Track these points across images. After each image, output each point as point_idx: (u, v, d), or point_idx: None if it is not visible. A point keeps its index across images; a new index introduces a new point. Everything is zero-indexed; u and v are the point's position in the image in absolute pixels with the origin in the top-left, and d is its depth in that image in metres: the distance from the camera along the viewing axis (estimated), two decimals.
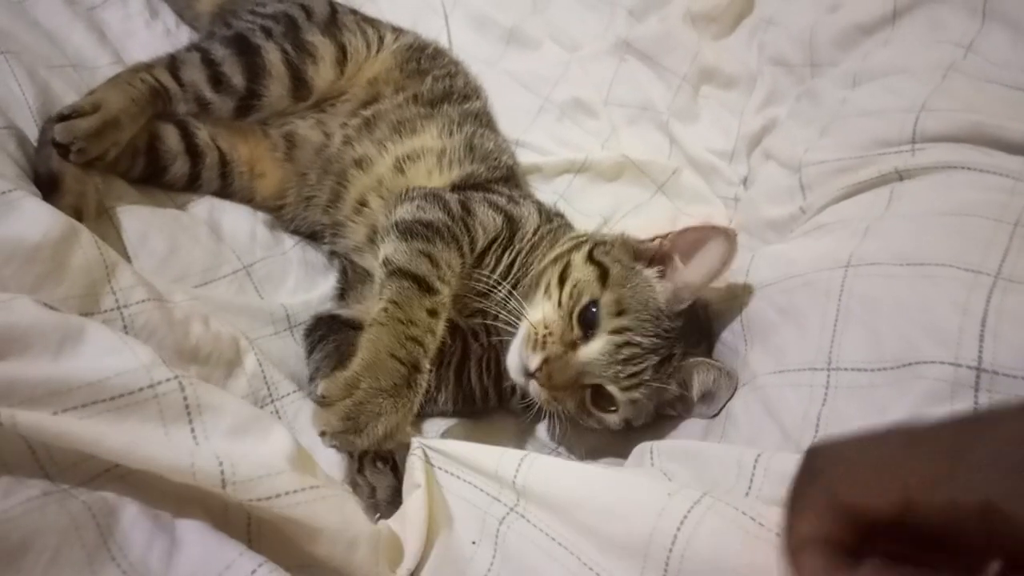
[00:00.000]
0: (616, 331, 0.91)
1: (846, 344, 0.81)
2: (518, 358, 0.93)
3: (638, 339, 0.91)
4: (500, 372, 1.03)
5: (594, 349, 0.91)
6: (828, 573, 0.45)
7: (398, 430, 0.77)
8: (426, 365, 0.83)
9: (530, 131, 1.48)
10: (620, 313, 0.92)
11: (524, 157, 1.43)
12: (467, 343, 1.05)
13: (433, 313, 0.87)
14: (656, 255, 1.00)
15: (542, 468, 0.72)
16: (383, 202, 1.10)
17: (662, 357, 0.93)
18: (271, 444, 0.65)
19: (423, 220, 0.97)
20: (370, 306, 0.92)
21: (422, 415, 1.03)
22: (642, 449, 0.82)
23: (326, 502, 0.63)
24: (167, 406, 0.64)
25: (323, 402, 0.75)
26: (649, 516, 0.64)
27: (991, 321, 0.71)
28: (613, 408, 0.94)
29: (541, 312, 0.95)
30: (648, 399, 0.93)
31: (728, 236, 0.93)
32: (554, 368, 0.90)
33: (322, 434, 0.74)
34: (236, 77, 1.15)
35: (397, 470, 0.81)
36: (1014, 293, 0.73)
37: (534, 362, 0.91)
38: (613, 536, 0.66)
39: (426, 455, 0.77)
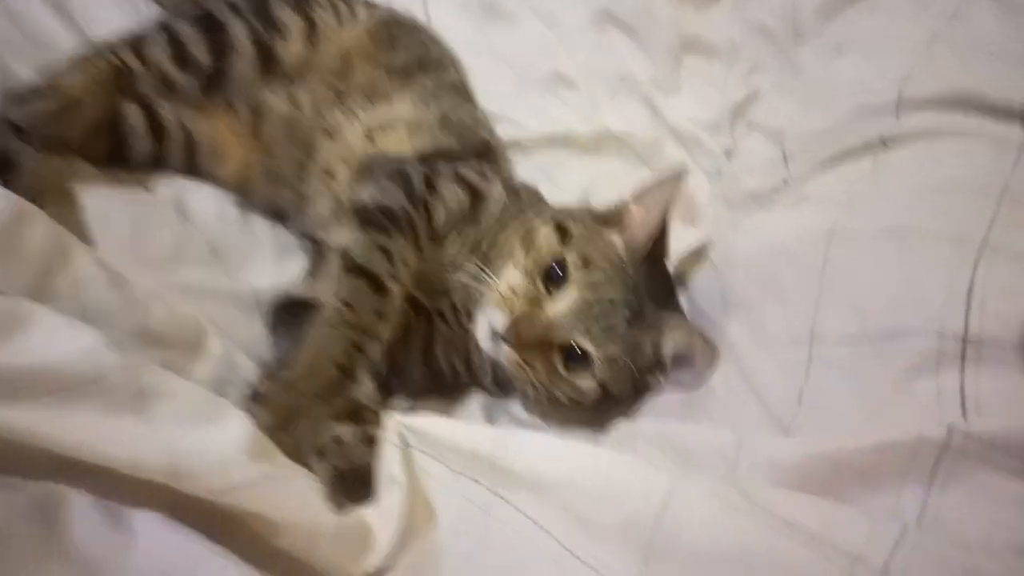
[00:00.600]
0: (584, 284, 0.91)
1: (829, 317, 0.78)
2: (486, 324, 0.93)
3: (608, 293, 0.91)
4: (469, 351, 1.01)
5: (562, 304, 0.91)
6: None
7: (319, 429, 0.78)
8: (362, 376, 0.84)
9: (510, 105, 1.44)
10: (587, 267, 0.92)
11: (504, 132, 1.40)
12: (433, 323, 1.02)
13: (382, 315, 0.87)
14: (618, 217, 1.01)
15: (524, 445, 0.69)
16: (350, 171, 1.06)
17: (633, 311, 0.92)
18: (228, 432, 0.62)
19: (383, 207, 0.95)
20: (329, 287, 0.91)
21: (391, 392, 1.01)
22: (619, 434, 0.80)
23: (285, 493, 0.60)
24: (117, 394, 0.61)
25: (259, 400, 0.75)
26: (634, 496, 0.62)
27: (977, 291, 0.69)
28: (587, 372, 0.92)
29: (507, 279, 0.94)
30: (624, 359, 0.91)
31: (674, 174, 0.97)
32: (522, 326, 0.89)
33: None
34: (202, 55, 1.11)
35: (371, 443, 0.78)
36: (1001, 262, 0.71)
37: (501, 322, 0.90)
38: (597, 517, 0.63)
39: (403, 438, 0.75)
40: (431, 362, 1.03)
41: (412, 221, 0.96)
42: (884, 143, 0.97)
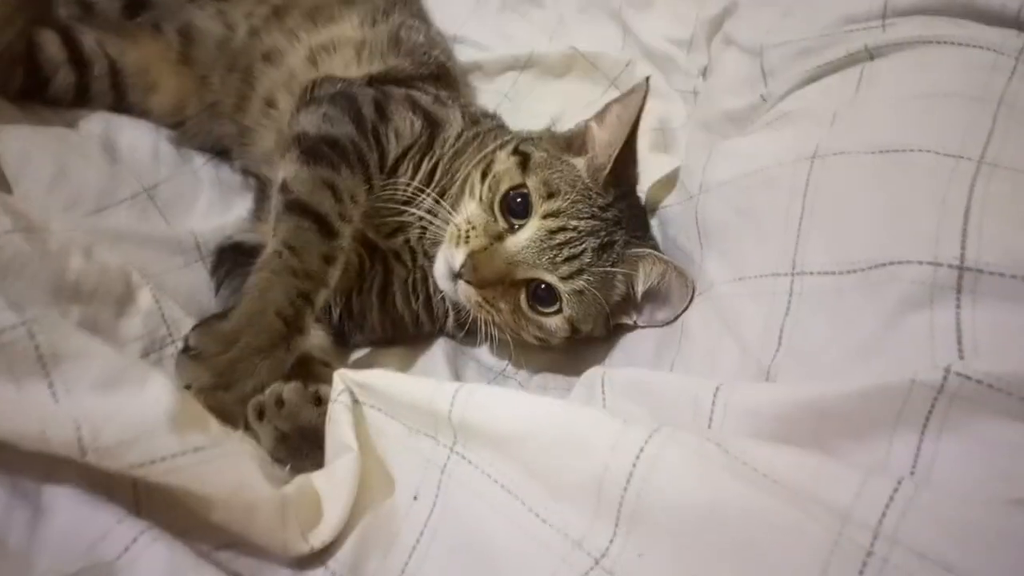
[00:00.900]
0: (548, 215, 0.84)
1: (812, 245, 0.72)
2: (444, 262, 0.86)
3: (573, 222, 0.84)
4: (430, 294, 0.94)
5: (523, 237, 0.84)
6: None
7: (267, 386, 0.71)
8: (309, 326, 0.76)
9: (469, 24, 1.34)
10: (550, 196, 0.85)
11: (463, 54, 1.30)
12: (389, 265, 0.95)
13: (329, 259, 0.79)
14: (580, 140, 0.94)
15: (481, 399, 0.63)
16: (293, 100, 0.97)
17: (602, 241, 0.85)
18: (147, 398, 0.55)
19: (329, 137, 0.86)
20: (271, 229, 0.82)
21: (349, 345, 0.94)
22: (592, 378, 0.74)
23: (214, 464, 0.54)
24: (16, 357, 0.53)
25: (195, 355, 0.66)
26: (601, 451, 0.56)
27: (975, 213, 0.63)
28: (554, 310, 0.86)
29: (465, 212, 0.87)
30: (595, 293, 0.85)
31: (637, 88, 0.90)
32: (479, 261, 0.82)
33: (187, 388, 0.67)
34: None
35: (320, 403, 0.72)
36: (1000, 180, 0.65)
37: (458, 259, 0.83)
38: (562, 475, 0.58)
39: (352, 395, 0.68)
40: (389, 307, 0.96)
41: (361, 153, 0.87)
42: (870, 54, 0.89)
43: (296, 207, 0.79)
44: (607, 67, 1.27)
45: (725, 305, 0.78)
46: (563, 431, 0.59)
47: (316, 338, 0.87)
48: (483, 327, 0.88)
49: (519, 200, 0.85)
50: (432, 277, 0.90)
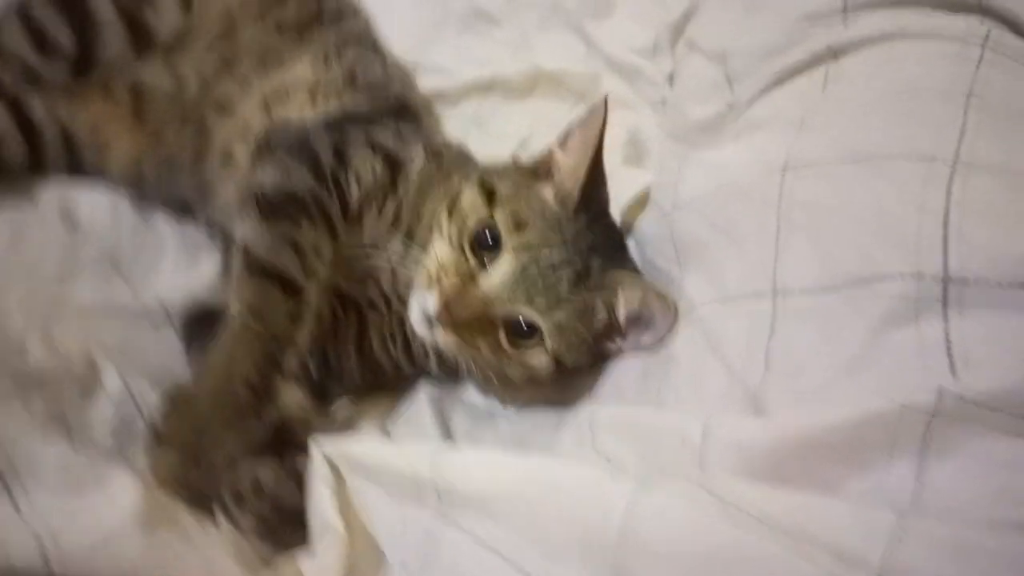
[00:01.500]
0: (519, 248, 0.81)
1: (790, 262, 0.70)
2: (418, 307, 0.82)
3: (546, 253, 0.81)
4: (408, 337, 0.91)
5: (496, 274, 0.81)
6: None
7: (234, 465, 0.68)
8: (278, 391, 0.73)
9: (429, 50, 1.32)
10: (519, 228, 0.82)
11: (425, 81, 1.28)
12: (363, 312, 0.92)
13: (295, 318, 0.76)
14: (546, 167, 0.90)
15: (461, 462, 0.61)
16: (249, 150, 0.95)
17: (577, 269, 0.82)
18: (113, 500, 0.53)
19: (287, 191, 0.83)
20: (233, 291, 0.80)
21: (328, 396, 0.91)
22: (579, 419, 0.72)
23: (186, 560, 0.51)
24: None
25: (161, 437, 0.64)
26: (588, 507, 0.55)
27: (954, 218, 0.61)
28: (535, 345, 0.83)
29: (435, 253, 0.83)
30: (576, 324, 0.82)
31: (596, 108, 0.86)
32: (455, 305, 0.79)
33: (156, 469, 0.64)
34: (62, 36, 0.98)
35: (300, 478, 0.69)
36: (977, 179, 0.63)
37: (432, 304, 0.80)
38: (550, 534, 0.56)
39: (330, 464, 0.66)
40: (367, 355, 0.93)
41: (322, 203, 0.84)
42: (834, 54, 0.87)
43: (256, 268, 0.77)
44: (573, 82, 1.25)
45: (708, 327, 0.75)
46: (547, 489, 0.57)
47: (293, 395, 0.84)
48: (467, 368, 0.86)
49: (488, 236, 0.82)
50: (408, 322, 0.87)
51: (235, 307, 0.75)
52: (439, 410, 0.90)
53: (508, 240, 0.82)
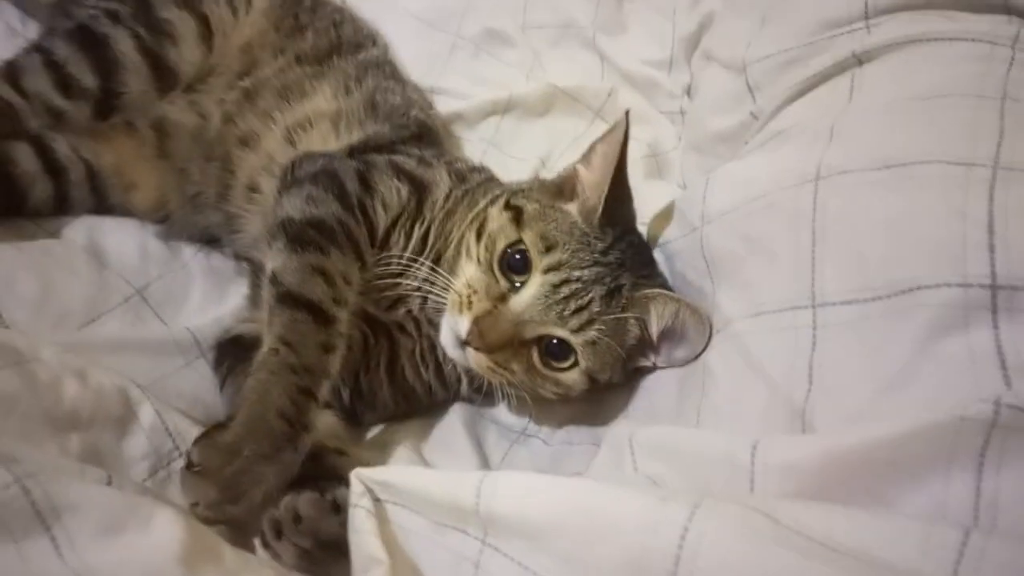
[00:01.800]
0: (549, 269, 0.81)
1: (828, 273, 0.68)
2: (449, 331, 0.83)
3: (576, 273, 0.81)
4: (439, 362, 0.91)
5: (527, 295, 0.81)
6: None
7: (276, 493, 0.68)
8: (314, 422, 0.72)
9: (444, 75, 1.32)
10: (549, 249, 0.82)
11: (443, 105, 1.28)
12: (394, 338, 0.92)
13: (328, 348, 0.76)
14: (572, 184, 0.90)
15: (507, 489, 0.59)
16: (275, 182, 0.95)
17: (608, 287, 0.81)
18: (154, 538, 0.52)
19: (314, 220, 0.83)
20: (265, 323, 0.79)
21: (362, 424, 0.91)
22: (619, 439, 0.70)
23: None
24: (13, 517, 0.50)
25: (198, 471, 0.64)
26: (641, 534, 0.53)
27: (999, 224, 0.59)
28: (569, 364, 0.82)
29: (464, 275, 0.83)
30: (609, 341, 0.81)
31: (617, 124, 0.86)
32: (485, 326, 0.79)
33: (194, 505, 0.64)
34: (86, 77, 0.99)
35: (340, 510, 0.68)
36: (1020, 184, 0.61)
37: (463, 326, 0.80)
38: (601, 562, 0.54)
39: (372, 494, 0.65)
40: (399, 381, 0.93)
41: (349, 231, 0.84)
42: (859, 59, 0.86)
43: (288, 299, 0.77)
44: (589, 99, 1.24)
45: (746, 343, 0.74)
46: (596, 515, 0.55)
47: (327, 424, 0.84)
48: (499, 389, 0.85)
49: (518, 257, 0.82)
50: (437, 344, 0.87)
51: (268, 340, 0.74)
52: (473, 433, 0.89)
53: (537, 261, 0.82)
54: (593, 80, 1.28)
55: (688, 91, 1.25)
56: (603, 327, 0.81)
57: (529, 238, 0.83)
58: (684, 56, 1.26)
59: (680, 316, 0.82)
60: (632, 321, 0.83)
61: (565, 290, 0.80)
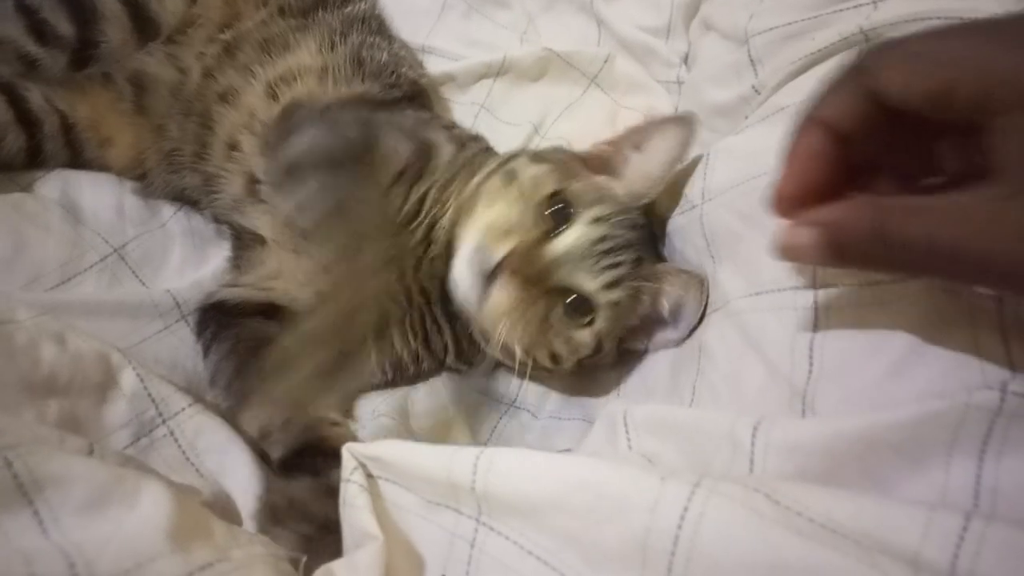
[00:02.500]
0: (594, 220, 0.80)
1: None
2: (473, 262, 0.79)
3: (617, 232, 0.81)
4: (427, 331, 0.90)
5: (568, 239, 0.79)
6: (818, 155, 0.50)
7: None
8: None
9: (435, 34, 1.28)
10: (594, 203, 0.82)
11: (433, 66, 1.24)
12: (384, 307, 0.90)
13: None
14: (599, 162, 0.89)
15: (503, 465, 0.58)
16: (257, 140, 0.91)
17: (636, 256, 0.82)
18: (142, 513, 0.50)
19: (323, 149, 0.81)
20: (259, 275, 0.80)
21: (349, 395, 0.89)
22: (612, 416, 0.69)
23: None
24: None
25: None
26: (641, 512, 0.52)
27: None
28: (587, 321, 0.81)
29: (493, 214, 0.81)
30: (626, 307, 0.81)
31: (683, 121, 0.87)
32: (523, 257, 0.76)
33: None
34: (62, 25, 0.94)
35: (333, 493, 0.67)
36: None
37: (498, 252, 0.77)
38: (601, 542, 0.53)
39: (365, 469, 0.63)
40: (386, 349, 0.91)
41: (361, 164, 0.81)
42: (866, 36, 0.84)
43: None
44: (584, 65, 1.21)
45: (744, 321, 0.73)
46: (596, 493, 0.54)
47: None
48: (492, 352, 0.83)
49: (560, 205, 0.81)
50: (436, 304, 0.87)
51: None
52: (461, 406, 0.88)
53: (582, 211, 0.81)
54: (589, 45, 1.24)
55: (685, 60, 1.22)
56: (626, 292, 0.81)
57: (574, 189, 0.82)
58: (683, 23, 1.23)
59: (687, 289, 0.81)
60: (648, 297, 0.83)
61: (603, 245, 0.79)
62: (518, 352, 0.80)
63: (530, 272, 0.77)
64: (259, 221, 0.92)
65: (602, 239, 0.79)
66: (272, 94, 0.96)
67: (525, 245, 0.77)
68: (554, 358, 0.84)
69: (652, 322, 0.84)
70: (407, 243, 0.85)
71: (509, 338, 0.80)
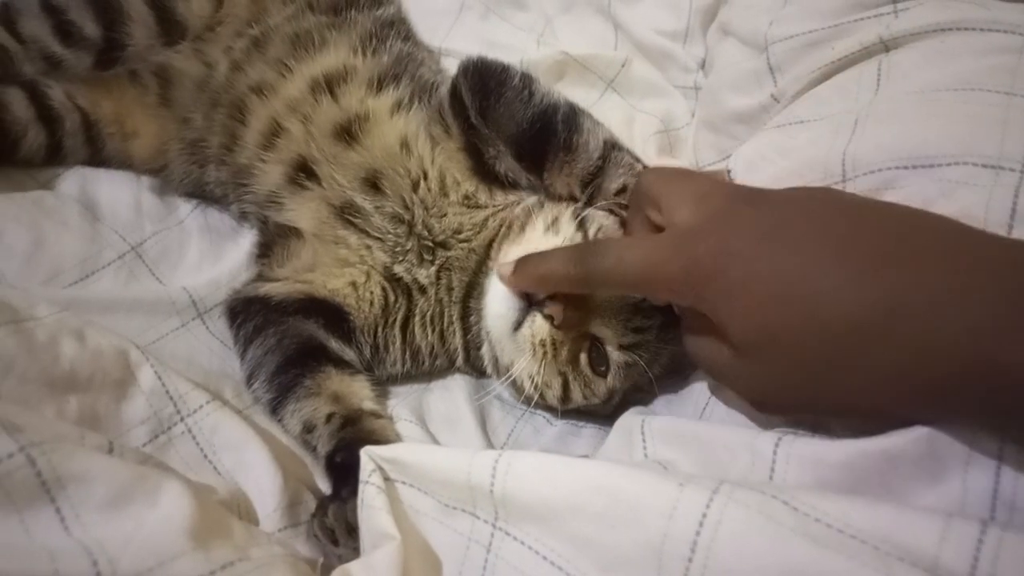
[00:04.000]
0: None
1: None
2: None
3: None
4: (444, 329, 0.90)
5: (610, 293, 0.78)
6: None
7: None
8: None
9: (452, 36, 1.28)
10: None
11: (451, 68, 1.24)
12: (413, 298, 0.91)
13: None
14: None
15: (523, 469, 0.58)
16: (305, 128, 0.91)
17: (663, 320, 0.79)
18: (163, 512, 0.51)
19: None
20: (295, 268, 0.81)
21: (379, 382, 0.90)
22: (630, 427, 0.69)
23: None
24: (16, 488, 0.49)
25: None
26: (658, 518, 0.52)
27: (1017, 232, 0.58)
28: (607, 374, 0.80)
29: (552, 244, 0.79)
30: (636, 371, 0.80)
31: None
32: (571, 296, 0.75)
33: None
34: (88, 26, 0.94)
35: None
36: None
37: None
38: (617, 547, 0.53)
39: (383, 472, 0.64)
40: (409, 338, 0.91)
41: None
42: (885, 46, 0.84)
43: None
44: (602, 69, 1.21)
45: None
46: (614, 498, 0.54)
47: (361, 387, 0.85)
48: (494, 374, 0.84)
49: None
50: (456, 309, 0.88)
51: None
52: (477, 409, 0.88)
53: None
54: (606, 49, 1.24)
55: (702, 65, 1.22)
56: (647, 355, 0.79)
57: None
58: (700, 28, 1.22)
59: None
60: (667, 354, 0.81)
61: (636, 305, 0.78)
62: (527, 386, 0.80)
63: (572, 311, 0.75)
64: (298, 213, 0.91)
65: (641, 300, 0.78)
66: (319, 88, 0.93)
67: None
68: (564, 399, 0.82)
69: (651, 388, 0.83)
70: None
71: (530, 369, 0.78)
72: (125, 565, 0.47)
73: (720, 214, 0.59)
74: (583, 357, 0.79)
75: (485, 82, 0.87)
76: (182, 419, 0.73)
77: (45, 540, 0.48)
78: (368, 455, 0.63)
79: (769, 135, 0.90)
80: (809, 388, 0.55)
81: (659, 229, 0.66)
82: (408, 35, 1.12)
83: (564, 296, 0.74)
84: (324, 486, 0.78)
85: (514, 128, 0.85)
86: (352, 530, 0.65)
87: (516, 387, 0.83)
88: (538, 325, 0.77)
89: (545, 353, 0.77)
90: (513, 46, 1.26)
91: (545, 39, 1.27)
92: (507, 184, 0.89)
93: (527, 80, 0.89)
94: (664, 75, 1.22)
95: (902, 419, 0.54)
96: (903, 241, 0.54)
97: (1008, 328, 0.45)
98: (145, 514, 0.51)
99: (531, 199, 0.88)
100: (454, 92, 0.89)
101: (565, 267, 0.68)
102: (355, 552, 0.64)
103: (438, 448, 0.63)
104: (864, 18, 0.89)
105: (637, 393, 0.83)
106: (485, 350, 0.86)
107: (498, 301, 0.79)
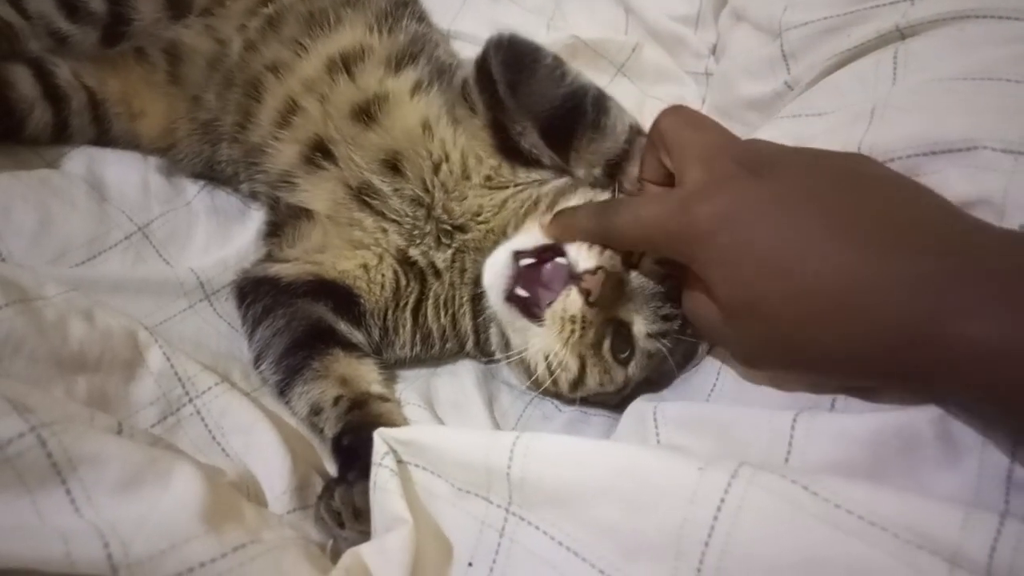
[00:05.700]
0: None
1: None
2: (565, 258, 0.76)
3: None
4: (456, 312, 0.90)
5: (644, 279, 0.78)
6: None
7: None
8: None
9: (460, 18, 1.26)
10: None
11: (460, 51, 1.23)
12: (426, 282, 0.90)
13: None
14: None
15: (541, 451, 0.57)
16: (322, 107, 0.90)
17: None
18: (175, 494, 0.51)
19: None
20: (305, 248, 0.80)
21: (386, 365, 0.90)
22: (641, 411, 0.69)
23: (258, 563, 0.49)
24: (27, 469, 0.48)
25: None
26: (678, 503, 0.52)
27: None
28: (628, 363, 0.78)
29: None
30: (662, 359, 0.78)
31: None
32: (609, 278, 0.73)
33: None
34: (94, 2, 0.94)
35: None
36: None
37: (588, 261, 0.73)
38: (636, 532, 0.53)
39: (396, 455, 0.63)
40: (420, 322, 0.91)
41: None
42: (902, 34, 0.83)
43: None
44: (612, 53, 1.20)
45: None
46: (636, 483, 0.54)
47: (368, 370, 0.84)
48: (502, 355, 0.83)
49: None
50: (466, 293, 0.87)
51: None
52: (485, 392, 0.88)
53: None
54: (617, 33, 1.23)
55: (714, 51, 1.21)
56: (669, 344, 0.78)
57: None
58: (712, 12, 1.21)
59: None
60: (681, 349, 0.79)
61: (667, 286, 0.77)
62: (540, 367, 0.78)
63: (607, 291, 0.73)
64: (312, 194, 0.90)
65: (670, 288, 0.77)
66: (337, 68, 0.93)
67: (613, 268, 0.74)
68: (577, 383, 0.80)
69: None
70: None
71: (549, 347, 0.76)
72: (137, 547, 0.47)
73: (723, 179, 0.61)
74: (607, 343, 0.77)
75: (519, 58, 0.88)
76: (191, 400, 0.73)
77: (57, 522, 0.48)
78: (382, 437, 0.63)
79: (785, 124, 0.89)
80: (786, 353, 0.58)
81: (669, 173, 0.70)
82: (422, 16, 1.11)
83: (606, 273, 0.73)
84: (332, 469, 0.77)
85: (546, 105, 0.85)
86: (359, 513, 0.65)
87: (526, 369, 0.81)
88: (572, 299, 0.74)
89: (573, 331, 0.74)
90: (523, 29, 1.23)
91: (555, 23, 1.26)
92: (530, 161, 0.89)
93: (559, 60, 0.90)
94: (675, 60, 1.21)
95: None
96: (892, 228, 0.55)
97: (962, 308, 0.48)
98: (157, 496, 0.51)
99: (560, 180, 0.88)
100: (481, 66, 0.89)
101: (589, 220, 0.72)
102: (361, 535, 0.64)
103: (451, 430, 0.63)
104: (881, 5, 0.87)
105: (647, 385, 0.82)
106: (494, 331, 0.86)
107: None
